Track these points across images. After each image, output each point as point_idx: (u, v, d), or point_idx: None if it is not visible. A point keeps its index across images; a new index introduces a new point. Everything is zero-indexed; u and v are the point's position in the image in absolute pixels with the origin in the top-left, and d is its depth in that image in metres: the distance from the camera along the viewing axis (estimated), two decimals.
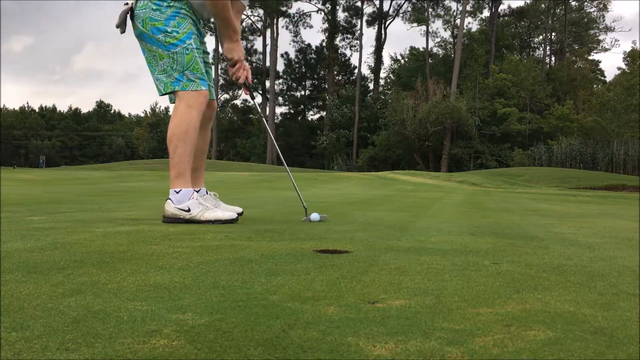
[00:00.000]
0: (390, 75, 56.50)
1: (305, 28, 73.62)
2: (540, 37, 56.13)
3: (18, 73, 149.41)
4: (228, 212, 2.90)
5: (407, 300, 1.19)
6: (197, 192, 2.97)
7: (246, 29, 53.24)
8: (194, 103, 2.88)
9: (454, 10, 50.61)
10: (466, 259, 1.78)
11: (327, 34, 52.89)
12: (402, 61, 55.08)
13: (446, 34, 63.91)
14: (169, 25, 2.84)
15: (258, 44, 70.92)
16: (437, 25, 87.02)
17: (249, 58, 55.76)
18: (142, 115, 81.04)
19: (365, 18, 51.49)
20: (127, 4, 2.91)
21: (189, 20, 2.90)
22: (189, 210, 2.78)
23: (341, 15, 53.82)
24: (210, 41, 47.70)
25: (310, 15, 60.41)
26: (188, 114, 2.86)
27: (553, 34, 53.78)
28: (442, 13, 51.01)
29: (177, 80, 2.87)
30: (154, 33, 2.84)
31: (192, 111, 2.87)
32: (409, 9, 51.48)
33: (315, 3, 52.76)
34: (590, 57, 54.20)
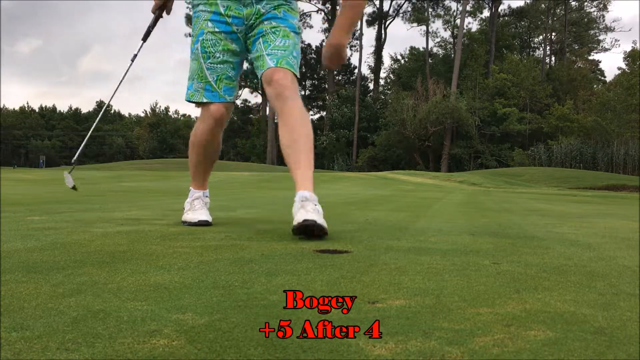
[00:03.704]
0: (390, 75, 56.61)
1: (305, 28, 73.55)
2: (540, 37, 56.18)
3: (25, 74, 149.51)
4: (196, 215, 2.78)
5: (407, 300, 1.19)
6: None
7: None
8: (202, 115, 2.76)
9: (454, 10, 50.69)
10: (466, 259, 1.78)
11: (327, 34, 52.89)
12: (402, 61, 55.15)
13: (446, 34, 63.92)
14: (192, 33, 2.73)
15: None
16: (437, 25, 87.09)
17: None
18: (142, 115, 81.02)
19: (365, 18, 51.54)
20: None
21: (202, 18, 2.63)
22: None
23: None
24: None
25: (310, 15, 60.23)
26: (197, 125, 2.80)
27: (553, 34, 53.79)
28: (442, 13, 51.12)
29: (187, 89, 2.74)
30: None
31: (200, 123, 2.77)
32: (409, 9, 51.57)
33: (315, 3, 52.85)
34: (590, 57, 54.25)
